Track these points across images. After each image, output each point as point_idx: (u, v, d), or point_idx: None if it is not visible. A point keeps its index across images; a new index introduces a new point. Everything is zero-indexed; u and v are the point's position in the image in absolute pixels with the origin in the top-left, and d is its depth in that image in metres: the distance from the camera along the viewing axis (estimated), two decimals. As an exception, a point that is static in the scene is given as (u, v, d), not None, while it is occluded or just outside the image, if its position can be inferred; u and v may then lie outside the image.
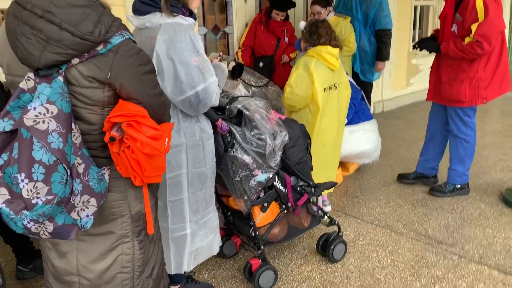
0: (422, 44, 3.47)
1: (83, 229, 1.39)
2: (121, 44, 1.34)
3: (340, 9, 4.20)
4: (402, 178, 3.91)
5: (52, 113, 1.25)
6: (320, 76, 2.88)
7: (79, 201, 1.34)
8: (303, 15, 5.15)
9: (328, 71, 2.92)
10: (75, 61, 1.30)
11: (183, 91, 1.84)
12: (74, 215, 1.35)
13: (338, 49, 2.96)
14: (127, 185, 1.50)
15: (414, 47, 3.54)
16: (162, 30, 1.85)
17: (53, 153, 1.22)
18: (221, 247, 2.72)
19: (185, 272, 2.38)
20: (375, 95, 6.17)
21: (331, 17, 3.94)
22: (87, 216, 1.38)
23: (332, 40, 2.93)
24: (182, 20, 1.90)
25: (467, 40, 3.10)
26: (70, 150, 1.28)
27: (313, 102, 2.95)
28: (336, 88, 3.02)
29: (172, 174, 1.98)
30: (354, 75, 4.25)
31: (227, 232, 2.75)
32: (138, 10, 1.94)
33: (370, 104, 4.43)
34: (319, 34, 2.90)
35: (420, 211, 3.37)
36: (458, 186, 3.58)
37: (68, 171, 1.26)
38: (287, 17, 4.27)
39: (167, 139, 1.44)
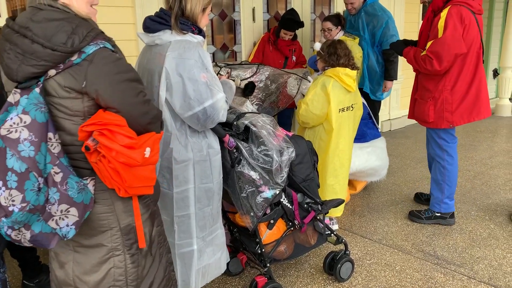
0: (395, 42, 3.44)
1: (65, 239, 1.40)
2: (95, 53, 1.36)
3: (348, 29, 4.25)
4: (417, 197, 3.89)
5: (25, 122, 1.29)
6: (336, 97, 2.93)
7: (57, 210, 1.35)
8: (310, 34, 5.21)
9: (344, 92, 2.98)
10: (51, 72, 1.35)
11: (191, 107, 1.87)
12: (52, 223, 1.36)
13: (355, 71, 3.01)
14: (114, 198, 1.49)
15: (391, 43, 3.53)
16: (172, 47, 1.89)
17: (24, 161, 1.26)
18: (227, 264, 2.71)
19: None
20: (382, 114, 6.18)
21: (340, 37, 3.99)
22: (67, 225, 1.38)
23: (350, 61, 3.00)
24: (192, 38, 1.94)
25: (423, 53, 3.09)
26: (44, 159, 1.31)
27: (327, 121, 3.00)
28: (352, 108, 3.09)
29: (179, 189, 1.99)
30: (363, 94, 4.27)
31: (233, 249, 2.73)
32: (148, 28, 1.98)
33: (378, 123, 4.43)
34: (338, 55, 2.97)
35: (428, 231, 3.33)
36: (438, 214, 3.40)
37: (40, 179, 1.29)
38: (295, 36, 4.33)
39: (148, 149, 1.40)
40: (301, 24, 4.21)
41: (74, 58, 1.35)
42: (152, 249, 1.63)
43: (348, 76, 2.97)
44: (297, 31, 4.38)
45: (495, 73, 8.31)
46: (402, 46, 3.33)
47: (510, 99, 7.72)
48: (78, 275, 1.55)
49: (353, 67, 3.03)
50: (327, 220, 3.24)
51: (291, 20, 4.15)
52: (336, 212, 3.27)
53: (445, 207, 3.39)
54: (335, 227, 3.31)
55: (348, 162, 3.20)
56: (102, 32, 1.44)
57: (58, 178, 1.34)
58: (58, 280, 1.60)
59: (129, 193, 1.44)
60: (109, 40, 1.44)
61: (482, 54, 3.17)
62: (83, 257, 1.55)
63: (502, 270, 2.79)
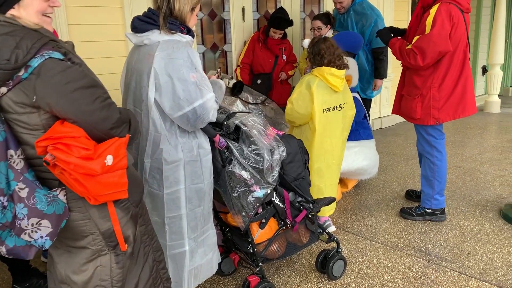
0: (381, 31, 3.40)
1: (43, 249, 1.41)
2: (41, 66, 1.32)
3: (337, 27, 4.26)
4: (408, 195, 3.91)
5: None
6: (320, 96, 2.89)
7: (27, 224, 1.35)
8: (300, 33, 5.21)
9: (330, 92, 2.93)
10: (3, 90, 1.33)
11: (180, 107, 1.86)
12: (25, 237, 1.37)
13: (343, 71, 2.94)
14: (88, 205, 1.47)
15: (378, 31, 3.48)
16: (161, 47, 1.88)
17: None
18: (219, 264, 2.70)
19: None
20: (373, 112, 6.21)
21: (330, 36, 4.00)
22: (42, 237, 1.39)
23: (337, 60, 2.91)
24: (180, 38, 1.93)
25: (408, 46, 3.10)
26: (4, 177, 1.31)
27: (312, 121, 2.97)
28: (340, 108, 3.03)
29: (170, 190, 1.98)
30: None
31: (225, 249, 2.73)
32: (136, 28, 1.97)
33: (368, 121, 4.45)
34: (321, 55, 2.90)
35: (419, 228, 3.36)
36: (429, 210, 3.43)
37: (2, 198, 1.29)
38: (285, 35, 4.33)
39: (109, 157, 1.37)
40: (290, 23, 4.21)
41: (22, 73, 1.32)
42: (135, 249, 1.63)
43: (334, 76, 2.90)
44: (287, 30, 4.38)
45: (484, 70, 8.39)
46: (389, 36, 3.34)
47: (499, 95, 7.80)
48: (68, 274, 1.57)
49: (340, 66, 2.95)
50: (323, 218, 3.25)
51: (281, 19, 4.15)
52: (326, 211, 3.24)
53: (435, 203, 3.42)
54: (332, 229, 3.29)
55: (337, 163, 3.14)
56: (53, 40, 1.40)
57: (24, 193, 1.34)
58: (55, 279, 1.63)
59: (100, 201, 1.42)
60: (60, 47, 1.40)
61: (468, 52, 3.20)
62: (72, 257, 1.56)
63: (493, 265, 2.82)
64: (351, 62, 3.65)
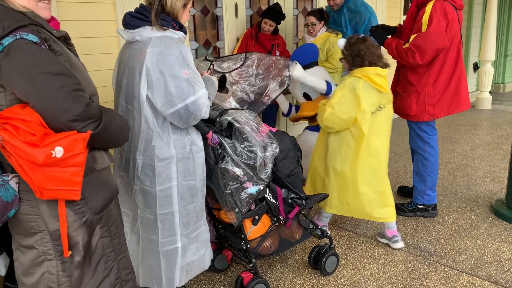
0: (375, 31, 3.38)
1: None
2: (12, 45, 1.31)
3: (331, 24, 4.26)
4: (400, 191, 3.94)
5: None
6: (368, 99, 2.71)
7: None
8: (293, 30, 5.21)
9: (376, 93, 2.74)
10: None
11: (173, 104, 1.85)
12: None
13: (387, 70, 2.77)
14: (38, 200, 1.41)
15: (370, 29, 3.45)
16: (152, 43, 1.87)
17: None
18: (213, 261, 2.70)
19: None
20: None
21: (323, 33, 4.01)
22: None
23: (378, 61, 2.74)
24: (172, 34, 1.92)
25: (405, 45, 3.11)
26: None
27: (355, 126, 2.76)
28: (382, 108, 2.83)
29: (162, 187, 1.98)
30: None
31: (218, 246, 2.73)
32: (128, 24, 1.96)
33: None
34: (361, 56, 2.72)
35: (411, 223, 3.38)
36: (421, 206, 3.45)
37: None
38: (276, 30, 4.32)
39: (59, 149, 1.30)
40: (282, 16, 4.21)
41: None
42: (92, 261, 1.52)
43: (380, 76, 2.70)
44: (279, 26, 4.38)
45: (476, 67, 8.45)
46: (383, 36, 3.34)
47: (490, 92, 7.85)
48: (19, 274, 1.53)
49: (383, 66, 2.76)
50: (391, 232, 3.03)
51: (273, 9, 4.16)
52: (389, 217, 2.94)
53: (428, 199, 3.45)
54: (400, 245, 3.00)
55: (385, 166, 2.91)
56: (35, 24, 1.38)
57: None
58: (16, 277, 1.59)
59: (46, 196, 1.35)
60: (40, 32, 1.37)
61: (461, 48, 3.23)
62: (23, 257, 1.51)
63: (483, 260, 2.85)
64: (320, 68, 3.59)
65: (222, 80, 2.37)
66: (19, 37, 1.32)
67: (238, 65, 2.68)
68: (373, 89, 2.73)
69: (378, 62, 2.74)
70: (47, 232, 1.44)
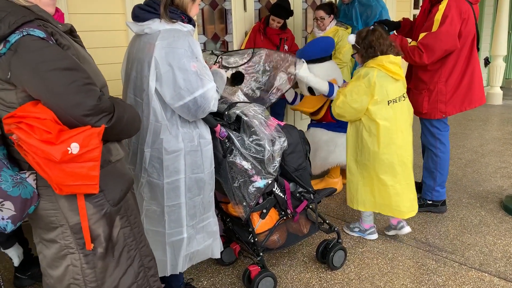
0: (377, 27, 3.33)
1: (6, 231, 1.37)
2: (19, 41, 1.30)
3: (341, 18, 4.23)
4: None
5: None
6: (384, 87, 2.68)
7: None
8: (302, 24, 5.18)
9: (392, 82, 2.71)
10: None
11: (181, 97, 1.85)
12: None
13: (400, 57, 2.75)
14: (57, 195, 1.41)
15: (373, 25, 3.39)
16: (161, 36, 1.87)
17: None
18: (220, 254, 2.71)
19: (184, 278, 2.38)
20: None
21: (332, 26, 3.98)
22: (3, 219, 1.34)
23: (389, 50, 2.72)
24: (181, 27, 1.92)
25: (412, 43, 3.05)
26: None
27: (366, 117, 2.74)
28: (404, 98, 2.81)
29: (170, 180, 1.98)
30: None
31: (226, 239, 2.74)
32: (137, 17, 1.96)
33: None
34: (373, 47, 2.71)
35: (420, 219, 3.36)
36: (429, 201, 3.42)
37: None
38: (284, 26, 4.30)
39: (75, 145, 1.30)
40: (289, 13, 4.19)
41: (0, 48, 1.31)
42: (116, 251, 1.54)
43: (393, 64, 2.67)
44: (288, 21, 4.36)
45: (487, 62, 8.35)
46: (386, 33, 3.29)
47: (501, 87, 7.76)
48: (44, 267, 1.55)
49: (395, 53, 2.73)
50: (396, 219, 3.01)
51: (280, 6, 4.13)
52: (406, 213, 2.89)
53: (436, 195, 3.42)
54: (407, 230, 3.00)
55: (410, 158, 2.87)
56: (40, 19, 1.37)
57: None
58: (41, 269, 1.61)
59: (65, 191, 1.37)
60: (46, 26, 1.37)
61: (477, 42, 3.17)
62: (47, 251, 1.52)
63: (493, 256, 2.83)
64: (331, 64, 3.57)
65: (240, 76, 2.34)
66: (26, 33, 1.30)
67: (245, 61, 2.67)
68: (388, 77, 2.71)
69: (390, 50, 2.73)
70: (68, 226, 1.45)
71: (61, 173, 1.31)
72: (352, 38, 2.85)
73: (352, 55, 3.00)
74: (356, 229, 3.11)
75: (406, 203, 2.86)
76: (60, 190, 1.36)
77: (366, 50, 2.76)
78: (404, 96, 2.82)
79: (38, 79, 1.31)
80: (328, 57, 3.58)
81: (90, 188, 1.39)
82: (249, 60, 2.66)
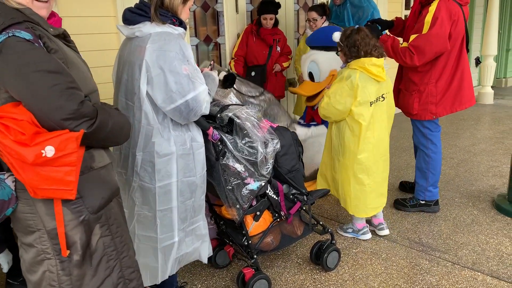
0: (370, 26, 3.32)
1: None
2: (4, 42, 1.29)
3: (333, 19, 4.24)
4: (402, 186, 3.93)
5: None
6: (366, 89, 2.72)
7: None
8: (294, 25, 5.19)
9: (374, 83, 2.76)
10: None
11: (173, 100, 1.85)
12: None
13: (383, 59, 2.78)
14: (35, 198, 1.39)
15: (365, 25, 3.37)
16: (152, 39, 1.86)
17: None
18: (214, 257, 2.71)
19: (177, 282, 2.37)
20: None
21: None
22: None
23: (373, 51, 2.75)
24: (172, 29, 1.91)
25: (403, 44, 3.07)
26: None
27: (351, 118, 2.79)
28: (383, 99, 2.85)
29: (162, 183, 1.97)
30: None
31: (220, 242, 2.73)
32: (128, 20, 1.95)
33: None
34: (357, 46, 2.73)
35: (413, 219, 3.37)
36: (422, 201, 3.44)
37: None
38: (276, 22, 4.30)
39: (50, 148, 1.28)
40: (278, 5, 4.20)
41: None
42: (93, 260, 1.50)
43: (376, 66, 2.71)
44: (280, 22, 4.36)
45: (477, 62, 8.41)
46: (378, 32, 3.30)
47: (492, 86, 7.83)
48: (24, 271, 1.53)
49: (378, 55, 2.76)
50: (378, 220, 3.11)
51: (266, 3, 4.15)
52: (369, 211, 2.99)
53: (429, 195, 3.44)
54: (385, 232, 3.10)
55: (384, 157, 2.94)
56: (29, 22, 1.36)
57: None
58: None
59: (40, 195, 1.34)
60: (34, 29, 1.36)
61: (467, 43, 3.19)
62: (26, 255, 1.50)
63: (485, 255, 2.84)
64: (335, 55, 3.61)
65: (231, 78, 2.33)
66: (12, 34, 1.30)
67: (255, 95, 2.69)
68: (370, 79, 2.75)
69: (373, 51, 2.75)
70: (45, 231, 1.43)
71: (35, 176, 1.30)
72: (337, 36, 2.88)
73: (336, 53, 3.02)
74: (350, 230, 3.12)
75: (376, 199, 2.97)
76: (35, 194, 1.34)
77: (349, 49, 2.79)
78: (383, 97, 2.85)
79: (19, 81, 1.30)
80: (335, 48, 3.60)
81: (65, 193, 1.36)
82: (258, 96, 2.68)
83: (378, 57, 2.76)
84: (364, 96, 2.73)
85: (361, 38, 2.75)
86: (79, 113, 1.35)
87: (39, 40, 1.36)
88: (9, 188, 1.38)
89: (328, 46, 3.56)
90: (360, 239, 3.07)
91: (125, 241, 1.62)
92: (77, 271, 1.47)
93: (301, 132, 3.62)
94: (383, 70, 2.77)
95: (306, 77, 3.71)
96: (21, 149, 1.25)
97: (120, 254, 1.58)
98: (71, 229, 1.43)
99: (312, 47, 3.68)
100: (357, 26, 2.85)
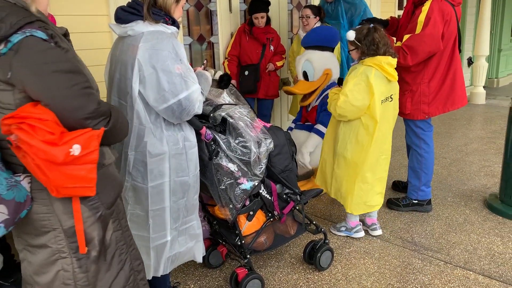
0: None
1: None
2: (21, 42, 1.29)
3: (326, 18, 4.25)
4: (395, 185, 3.94)
5: None
6: (378, 87, 2.74)
7: None
8: (288, 25, 5.19)
9: (385, 82, 2.79)
10: None
11: (165, 99, 1.84)
12: None
13: (396, 59, 2.83)
14: (52, 198, 1.40)
15: (361, 23, 3.36)
16: (145, 38, 1.85)
17: None
18: (207, 257, 2.70)
19: (170, 282, 2.36)
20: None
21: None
22: None
23: (390, 49, 2.78)
24: (165, 28, 1.90)
25: (397, 44, 3.08)
26: None
27: (367, 115, 2.79)
28: (392, 99, 2.89)
29: (154, 183, 1.96)
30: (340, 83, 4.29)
31: (213, 242, 2.72)
32: (120, 19, 1.93)
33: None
34: (376, 44, 2.75)
35: (406, 218, 3.39)
36: (415, 201, 3.46)
37: None
38: (268, 20, 4.29)
39: (76, 146, 1.30)
40: (267, 3, 4.20)
41: (1, 48, 1.29)
42: (108, 255, 1.53)
43: (391, 65, 2.76)
44: (274, 22, 4.36)
45: (470, 62, 8.47)
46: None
47: (484, 87, 7.88)
48: (31, 274, 1.51)
49: (393, 54, 2.81)
50: (371, 220, 3.14)
51: (257, 1, 4.14)
52: (379, 203, 3.04)
53: (422, 195, 3.45)
54: (378, 232, 3.13)
55: (385, 156, 2.97)
56: (40, 21, 1.36)
57: None
58: (23, 276, 1.57)
59: (62, 194, 1.35)
60: (47, 28, 1.36)
61: (459, 44, 3.21)
62: (33, 257, 1.49)
63: (477, 254, 2.86)
64: (330, 55, 3.64)
65: (226, 78, 2.32)
66: (29, 34, 1.30)
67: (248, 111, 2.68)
68: (383, 78, 2.77)
69: (390, 50, 2.79)
70: (61, 230, 1.43)
71: (61, 176, 1.31)
72: (351, 34, 2.87)
73: (349, 51, 3.03)
74: (343, 228, 3.13)
75: (375, 197, 2.99)
76: (58, 193, 1.34)
77: (368, 47, 2.79)
78: (391, 97, 2.88)
79: (40, 81, 1.31)
80: (330, 48, 3.62)
81: (87, 190, 1.38)
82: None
83: (393, 57, 2.80)
84: (378, 93, 2.75)
85: (380, 36, 2.77)
86: (98, 112, 1.39)
87: (52, 40, 1.37)
88: (25, 189, 1.37)
89: (322, 46, 3.58)
90: (353, 238, 3.08)
91: (131, 234, 1.67)
92: (94, 267, 1.50)
93: (317, 141, 3.62)
94: (395, 70, 2.81)
95: (300, 76, 3.73)
96: (51, 149, 1.26)
97: (129, 247, 1.62)
98: (89, 226, 1.46)
99: (307, 47, 3.69)
100: (371, 24, 2.86)
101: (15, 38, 1.28)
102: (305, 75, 3.66)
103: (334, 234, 3.15)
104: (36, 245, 1.47)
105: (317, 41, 3.57)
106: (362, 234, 3.10)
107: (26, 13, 1.34)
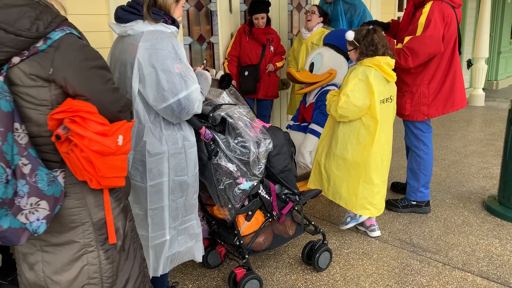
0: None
1: (35, 234, 1.33)
2: (62, 39, 1.33)
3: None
4: (394, 187, 3.95)
5: None
6: (377, 87, 2.76)
7: (26, 203, 1.29)
8: (288, 26, 5.19)
9: (384, 83, 2.80)
10: (15, 60, 1.30)
11: (165, 99, 1.84)
12: (21, 218, 1.29)
13: (394, 60, 2.84)
14: (85, 191, 1.44)
15: (363, 25, 3.32)
16: (144, 37, 1.85)
17: None
18: (206, 257, 2.71)
19: (168, 282, 2.36)
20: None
21: (319, 28, 4.04)
22: (38, 219, 1.32)
23: (388, 49, 2.81)
24: (165, 28, 1.91)
25: (398, 45, 3.09)
26: (11, 149, 1.25)
27: (367, 115, 2.81)
28: (391, 100, 2.90)
29: (153, 182, 1.96)
30: None
31: (211, 242, 2.72)
32: (120, 18, 1.93)
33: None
34: (375, 45, 2.77)
35: (404, 219, 3.39)
36: (414, 202, 3.47)
37: (8, 170, 1.23)
38: (268, 21, 4.30)
39: (121, 137, 1.38)
40: (267, 4, 4.20)
41: (40, 45, 1.31)
42: (125, 245, 1.57)
43: (389, 66, 2.77)
44: (274, 23, 4.36)
45: (469, 64, 8.48)
46: None
47: (483, 89, 7.89)
48: (49, 275, 1.49)
49: (391, 56, 2.83)
50: (370, 221, 3.15)
51: (256, 2, 4.15)
52: (383, 206, 3.03)
53: (420, 196, 3.45)
54: (376, 233, 3.14)
55: (388, 158, 2.97)
56: (67, 19, 1.40)
57: (26, 169, 1.29)
58: (29, 282, 1.53)
59: (102, 184, 1.39)
60: (74, 27, 1.41)
61: (459, 46, 3.21)
62: (52, 256, 1.48)
63: (475, 256, 2.86)
64: (342, 60, 3.64)
65: (228, 78, 2.33)
66: (69, 32, 1.35)
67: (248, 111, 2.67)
68: (382, 78, 2.79)
69: (389, 51, 2.81)
70: (91, 223, 1.46)
71: (105, 166, 1.36)
72: (351, 34, 2.89)
73: (347, 51, 3.04)
74: (348, 219, 3.14)
75: (382, 200, 2.98)
76: (98, 184, 1.38)
77: (366, 47, 2.81)
78: (391, 98, 2.89)
79: (82, 76, 1.36)
80: (346, 54, 3.62)
81: (120, 180, 1.45)
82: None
83: (391, 57, 2.82)
84: (377, 93, 2.76)
85: (379, 37, 2.80)
86: (127, 105, 1.50)
87: (84, 38, 1.42)
88: (60, 185, 1.39)
89: (340, 48, 3.59)
90: (351, 239, 3.08)
91: (135, 224, 1.73)
92: (118, 256, 1.54)
93: (314, 140, 3.62)
94: (393, 71, 2.83)
95: (307, 67, 3.76)
96: (104, 140, 1.32)
97: (137, 236, 1.68)
98: (115, 216, 1.52)
99: (326, 44, 3.71)
100: (371, 26, 2.88)
101: (55, 35, 1.32)
102: (311, 67, 3.69)
103: (344, 228, 3.16)
104: (59, 243, 1.47)
105: (338, 43, 3.59)
106: (378, 233, 3.12)
107: (55, 12, 1.38)
